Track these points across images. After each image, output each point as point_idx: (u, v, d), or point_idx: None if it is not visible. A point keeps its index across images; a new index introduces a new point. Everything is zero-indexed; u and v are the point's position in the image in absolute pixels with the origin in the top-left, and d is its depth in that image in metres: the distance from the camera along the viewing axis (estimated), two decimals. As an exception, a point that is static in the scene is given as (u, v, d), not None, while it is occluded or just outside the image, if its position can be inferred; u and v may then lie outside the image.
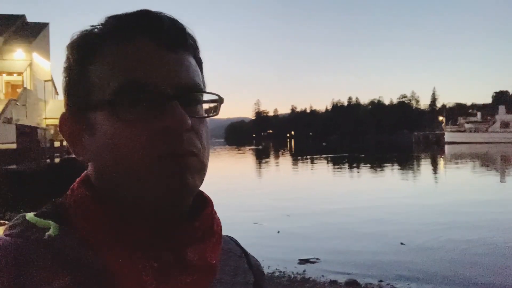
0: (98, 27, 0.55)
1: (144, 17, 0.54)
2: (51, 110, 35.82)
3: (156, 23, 0.54)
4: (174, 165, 0.51)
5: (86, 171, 0.58)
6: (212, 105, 0.58)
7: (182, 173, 0.51)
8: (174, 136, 0.51)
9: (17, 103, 28.88)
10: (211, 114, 0.58)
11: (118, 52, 0.53)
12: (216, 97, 0.58)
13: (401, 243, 8.27)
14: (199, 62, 0.60)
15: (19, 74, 31.62)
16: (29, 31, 35.00)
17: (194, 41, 0.58)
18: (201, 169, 0.54)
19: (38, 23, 39.05)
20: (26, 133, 23.40)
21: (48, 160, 21.80)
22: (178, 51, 0.54)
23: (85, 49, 0.54)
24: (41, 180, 18.06)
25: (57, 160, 22.50)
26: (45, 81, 36.05)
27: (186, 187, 0.52)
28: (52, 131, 34.14)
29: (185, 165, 0.52)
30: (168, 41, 0.54)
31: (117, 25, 0.54)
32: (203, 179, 0.56)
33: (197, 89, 0.55)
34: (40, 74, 34.75)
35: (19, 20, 36.39)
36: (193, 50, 0.58)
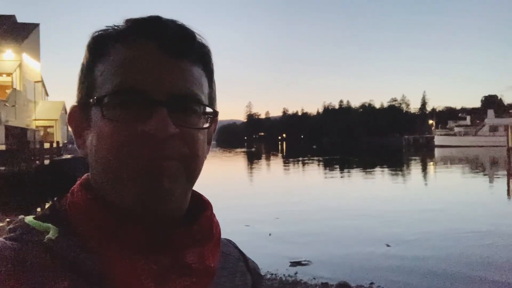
0: (112, 28, 0.56)
1: (152, 22, 0.55)
2: (41, 111, 35.45)
3: (163, 29, 0.54)
4: (151, 169, 0.51)
5: (87, 173, 0.59)
6: (209, 116, 0.59)
7: (159, 177, 0.51)
8: (153, 142, 0.51)
9: (6, 104, 28.51)
10: (204, 126, 0.57)
11: (122, 54, 0.54)
12: (210, 110, 0.58)
13: (387, 245, 8.37)
14: (208, 73, 0.59)
15: (9, 74, 31.23)
16: (19, 32, 34.59)
17: (204, 51, 0.58)
18: (186, 176, 0.54)
19: (28, 23, 38.59)
20: (15, 135, 23.16)
21: (37, 162, 21.59)
22: (181, 59, 0.55)
23: (95, 49, 0.56)
24: (30, 182, 17.87)
25: (47, 161, 22.28)
26: (35, 82, 35.62)
27: (163, 192, 0.52)
28: (42, 132, 33.79)
29: (163, 170, 0.52)
30: (172, 48, 0.54)
31: (126, 28, 0.55)
32: (190, 186, 0.57)
33: (191, 99, 0.55)
34: (30, 75, 34.35)
35: (9, 21, 35.97)
36: (200, 59, 0.57)
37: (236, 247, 0.70)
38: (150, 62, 0.53)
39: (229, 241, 0.70)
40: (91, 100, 0.54)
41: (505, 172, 24.80)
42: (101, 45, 0.56)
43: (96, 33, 0.57)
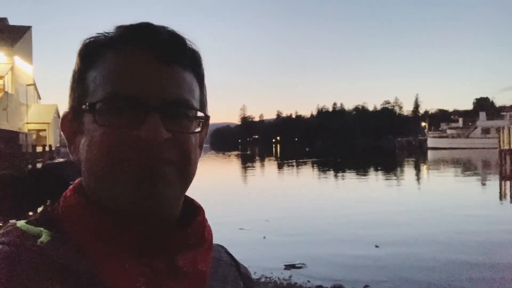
0: (103, 35, 0.57)
1: (143, 29, 0.55)
2: (33, 114, 35.14)
3: (154, 36, 0.55)
4: (144, 173, 0.52)
5: (79, 178, 0.59)
6: (201, 121, 0.59)
7: (152, 181, 0.52)
8: (146, 147, 0.51)
9: (-2, 107, 28.27)
10: (195, 131, 0.58)
11: (114, 61, 0.54)
12: (202, 114, 0.59)
13: (376, 246, 8.44)
14: (200, 78, 0.60)
15: (0, 77, 30.96)
16: (11, 34, 34.28)
17: (195, 57, 0.59)
18: (180, 180, 0.55)
19: (20, 26, 38.25)
20: (7, 138, 22.94)
21: (30, 165, 21.41)
22: (172, 65, 0.55)
23: (86, 56, 0.57)
24: (23, 186, 17.71)
25: (39, 165, 22.10)
26: (27, 85, 35.31)
27: (158, 196, 0.52)
28: (34, 136, 33.49)
29: (157, 174, 0.52)
30: (163, 55, 0.55)
31: (117, 35, 0.56)
32: (184, 189, 0.57)
33: (183, 104, 0.55)
34: (22, 78, 34.05)
35: (1, 23, 35.68)
36: (191, 65, 0.58)
37: (228, 253, 0.71)
38: (142, 68, 0.53)
39: (221, 246, 0.71)
40: (84, 106, 0.55)
41: (497, 175, 24.98)
42: (93, 52, 0.56)
43: (87, 40, 0.57)
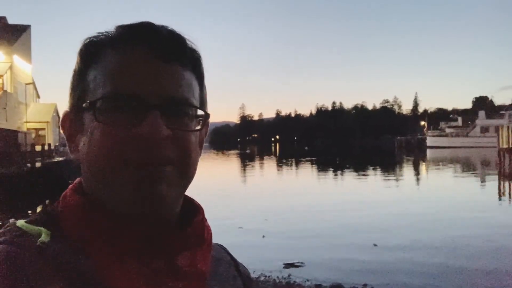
0: (104, 34, 0.57)
1: (144, 28, 0.56)
2: (32, 113, 35.08)
3: (154, 35, 0.55)
4: (144, 173, 0.52)
5: (79, 177, 0.59)
6: (201, 119, 0.59)
7: (152, 182, 0.52)
8: (145, 144, 0.51)
9: (-3, 106, 28.20)
10: (196, 128, 0.58)
11: (114, 60, 0.55)
12: (202, 112, 0.59)
13: (374, 245, 8.46)
14: (199, 77, 0.60)
15: (-1, 76, 30.90)
16: (10, 33, 34.17)
17: (195, 56, 0.59)
18: (180, 180, 0.55)
19: (19, 25, 38.13)
20: (6, 137, 22.92)
21: (29, 165, 21.39)
22: (172, 64, 0.55)
23: (87, 55, 0.57)
24: (22, 185, 17.70)
25: (38, 164, 22.08)
26: (26, 84, 35.24)
27: (158, 196, 0.53)
28: (33, 135, 33.47)
29: (158, 174, 0.52)
30: (163, 53, 0.55)
31: (118, 34, 0.56)
32: (184, 189, 0.58)
33: (183, 103, 0.56)
34: (21, 77, 33.97)
35: None
36: (191, 64, 0.58)
37: (228, 252, 0.71)
38: (142, 66, 0.54)
39: (220, 246, 0.71)
40: (84, 105, 0.55)
41: (496, 173, 25.00)
42: (93, 51, 0.57)
43: (88, 40, 0.58)
